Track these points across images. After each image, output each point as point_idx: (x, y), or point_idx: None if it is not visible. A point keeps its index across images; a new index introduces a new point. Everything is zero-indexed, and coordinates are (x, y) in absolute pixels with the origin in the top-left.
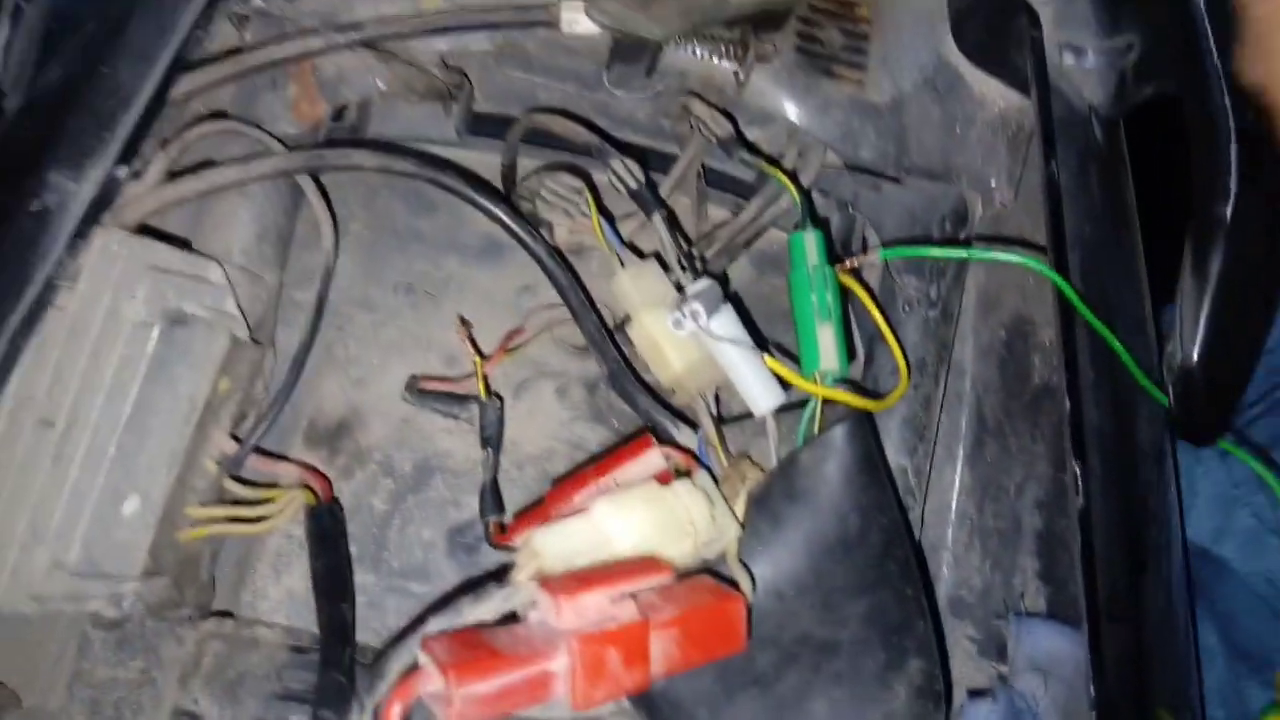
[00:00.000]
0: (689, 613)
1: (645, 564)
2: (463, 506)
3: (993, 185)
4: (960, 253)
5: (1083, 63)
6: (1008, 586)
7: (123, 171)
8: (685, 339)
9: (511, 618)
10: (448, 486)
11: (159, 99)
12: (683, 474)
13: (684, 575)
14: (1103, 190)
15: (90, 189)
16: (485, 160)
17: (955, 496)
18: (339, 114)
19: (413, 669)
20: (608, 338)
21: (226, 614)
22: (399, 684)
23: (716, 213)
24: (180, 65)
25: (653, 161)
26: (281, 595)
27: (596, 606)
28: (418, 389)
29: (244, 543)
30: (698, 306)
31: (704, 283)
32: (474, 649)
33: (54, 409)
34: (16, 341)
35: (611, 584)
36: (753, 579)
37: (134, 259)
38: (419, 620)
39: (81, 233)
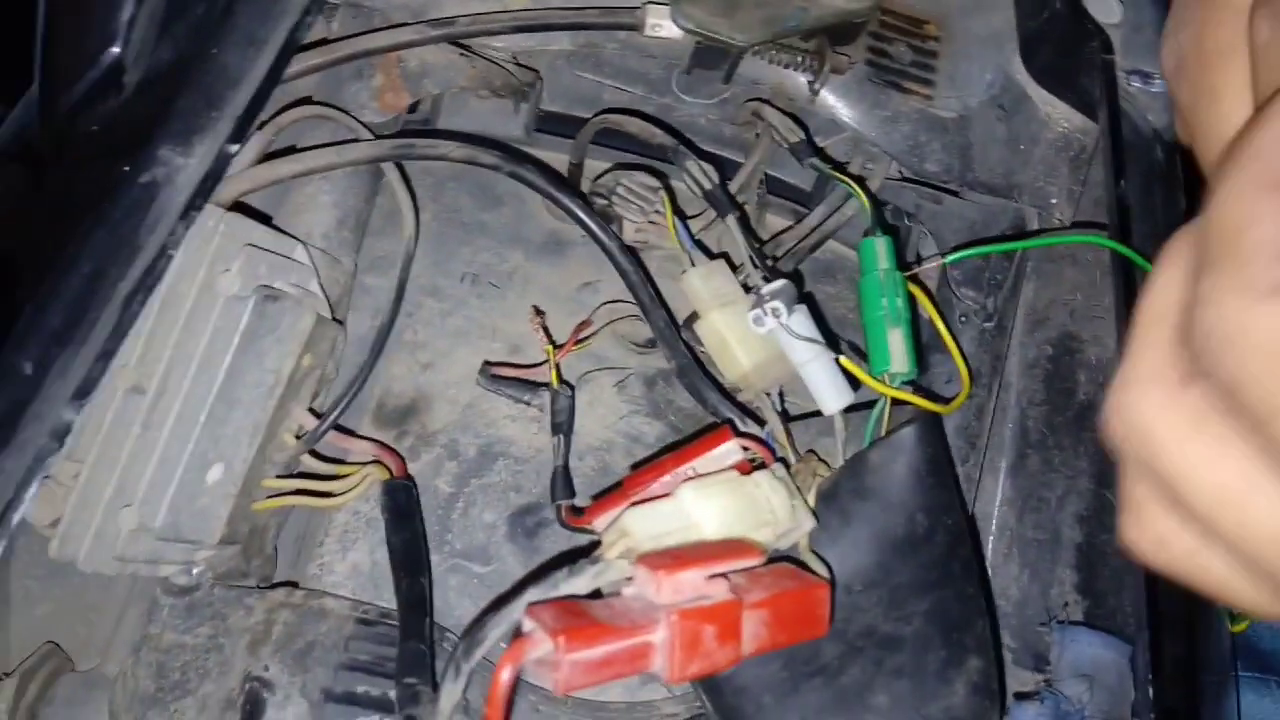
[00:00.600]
0: (778, 595)
1: (737, 546)
2: (524, 492)
3: (1053, 202)
4: (1025, 242)
5: (1149, 87)
6: (1045, 597)
7: (233, 149)
8: (755, 338)
9: (596, 595)
10: (510, 472)
11: (269, 81)
12: (759, 466)
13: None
14: (1165, 212)
15: (199, 165)
16: (548, 159)
17: (996, 507)
18: (413, 107)
19: (517, 635)
20: (676, 333)
21: (293, 585)
22: (510, 647)
23: (773, 220)
24: (291, 50)
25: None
26: (347, 570)
27: (692, 584)
28: (491, 374)
29: (306, 518)
30: (778, 304)
31: (781, 282)
32: (578, 617)
33: (145, 377)
34: (127, 308)
35: (706, 563)
36: (829, 569)
37: (230, 234)
38: (517, 590)
39: (193, 205)
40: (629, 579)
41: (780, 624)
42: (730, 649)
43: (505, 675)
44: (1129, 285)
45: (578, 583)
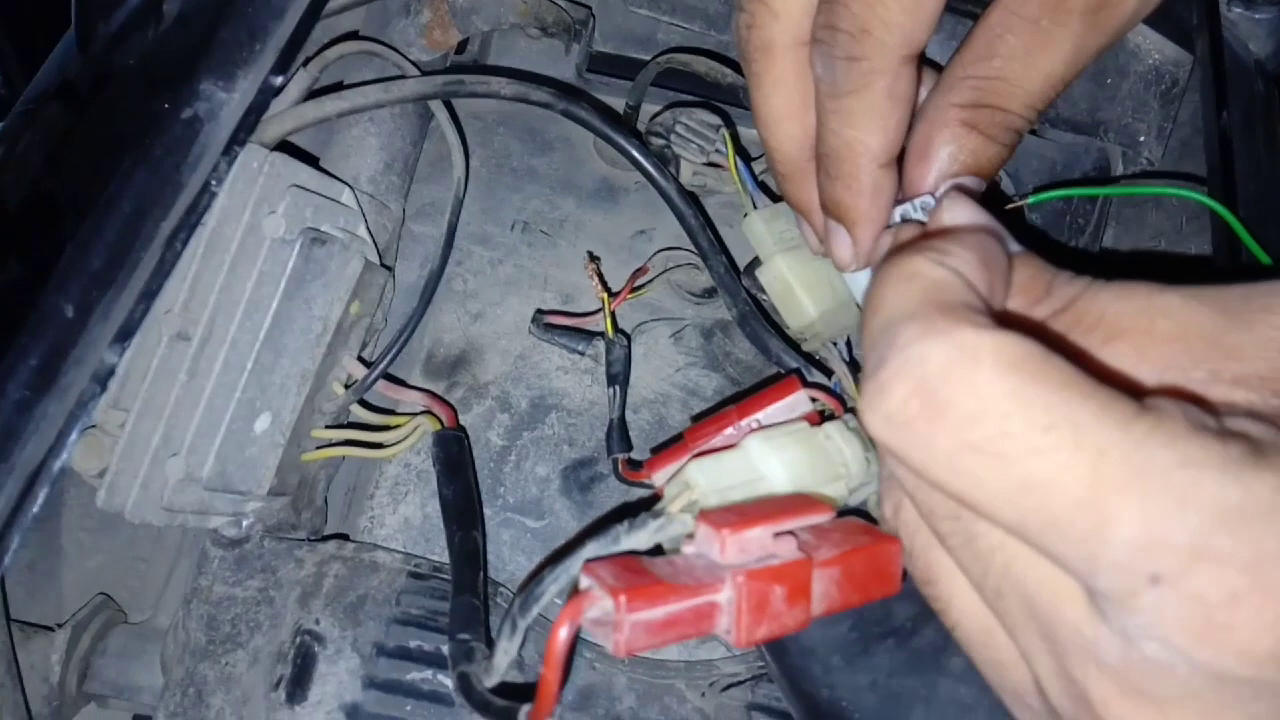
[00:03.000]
0: (849, 553)
1: (805, 502)
2: (576, 445)
3: (1141, 140)
4: (1111, 189)
5: (1251, 13)
6: None
7: (277, 81)
8: (822, 284)
9: (657, 551)
10: (562, 425)
11: (313, 11)
12: (828, 418)
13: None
14: (1267, 147)
15: (242, 98)
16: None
17: None
18: (461, 46)
19: (574, 592)
20: (737, 280)
21: (343, 537)
22: (568, 605)
23: None
24: None
25: None
26: (398, 523)
27: (759, 542)
28: (544, 323)
29: (356, 469)
30: (929, 199)
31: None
32: (640, 575)
33: (190, 323)
34: (169, 248)
35: (773, 520)
36: None
37: (275, 175)
38: (575, 543)
39: (236, 140)
40: (691, 535)
41: (852, 583)
42: (800, 610)
43: (563, 634)
44: (1231, 247)
45: (638, 537)
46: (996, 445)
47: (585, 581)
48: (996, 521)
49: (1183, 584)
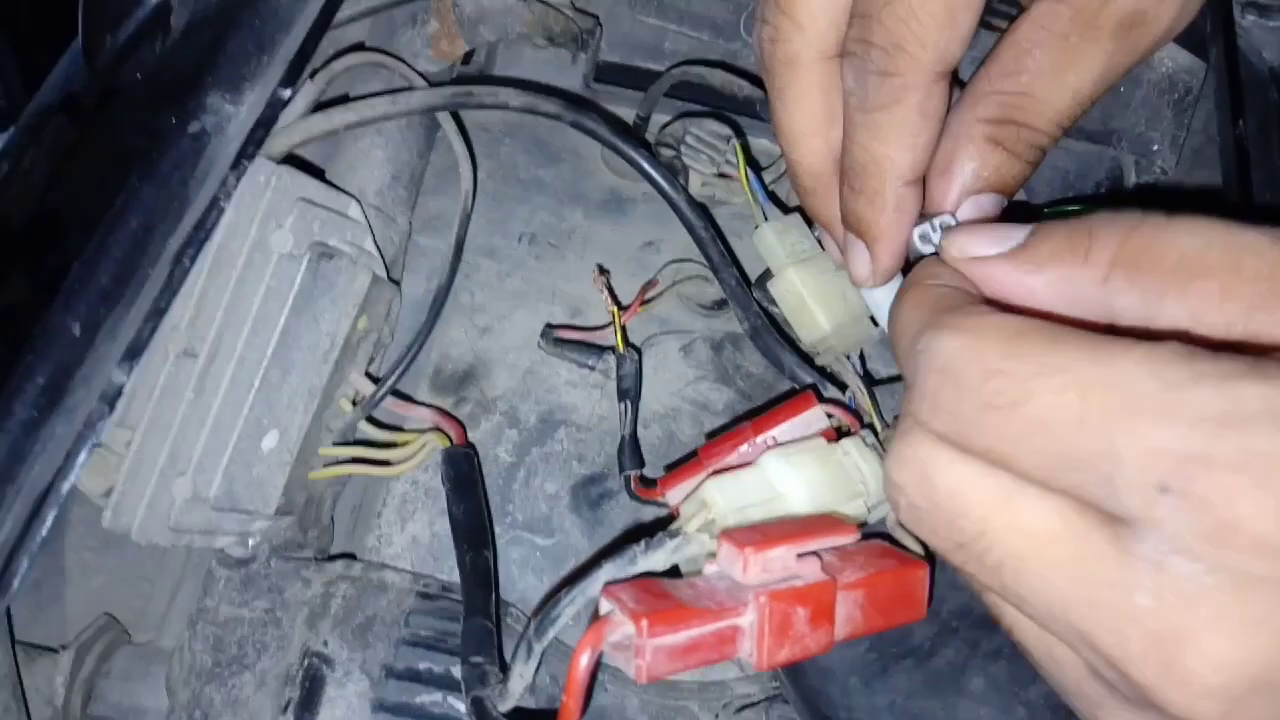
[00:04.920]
0: (874, 576)
1: (829, 522)
2: (586, 461)
3: (1154, 149)
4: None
5: (1266, 21)
6: None
7: (285, 94)
8: (835, 297)
9: (674, 572)
10: (572, 440)
11: (321, 23)
12: (844, 434)
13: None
14: None
15: (249, 112)
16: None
17: None
18: (467, 56)
19: (596, 616)
20: (748, 293)
21: (350, 556)
22: (589, 630)
23: None
24: None
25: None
26: (406, 542)
27: (782, 562)
28: (554, 337)
29: (363, 487)
30: (949, 218)
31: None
32: (661, 598)
33: (197, 340)
34: (177, 264)
35: (796, 540)
36: (924, 545)
37: (282, 189)
38: (591, 565)
39: (244, 154)
40: (710, 555)
41: (876, 607)
42: (823, 634)
43: (584, 660)
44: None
45: (656, 558)
46: (1005, 398)
47: (606, 605)
48: (1027, 476)
49: (1189, 490)
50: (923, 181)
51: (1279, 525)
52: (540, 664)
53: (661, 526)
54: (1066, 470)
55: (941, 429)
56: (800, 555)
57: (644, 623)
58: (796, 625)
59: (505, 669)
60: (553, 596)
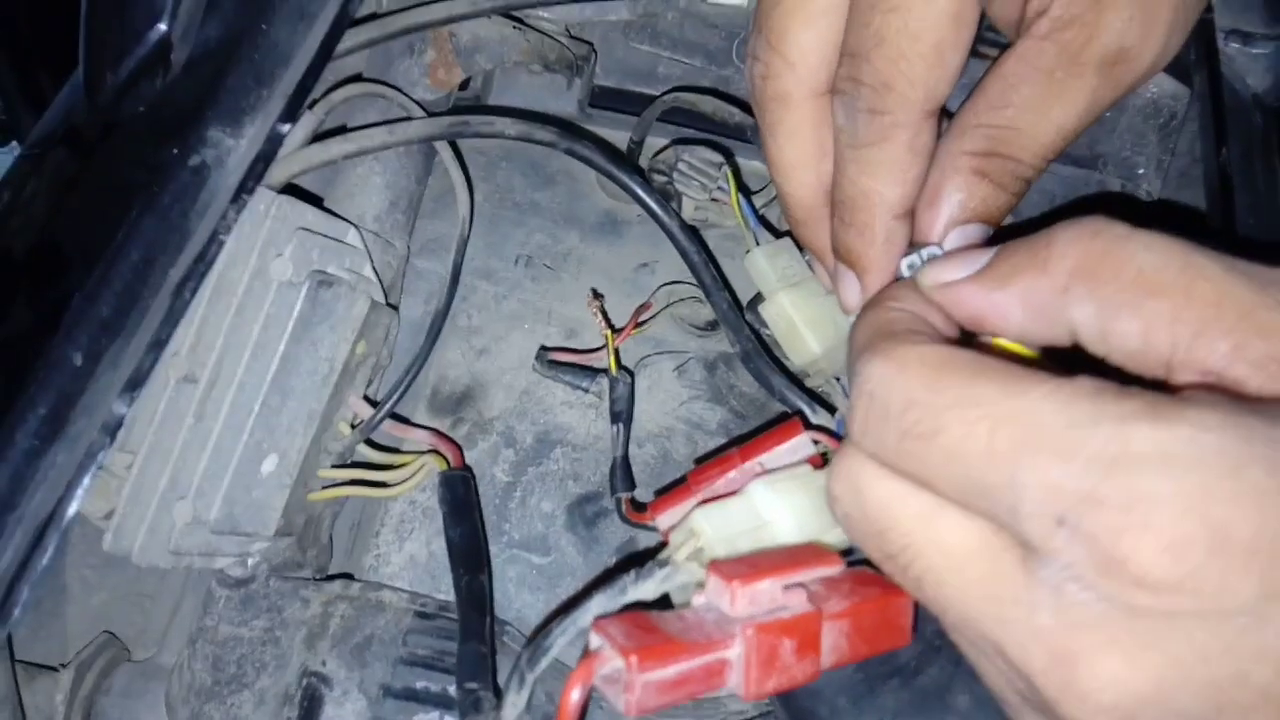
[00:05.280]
0: (859, 605)
1: (815, 553)
2: (582, 480)
3: (1140, 173)
4: None
5: (1249, 48)
6: None
7: (285, 128)
8: (825, 320)
9: (664, 599)
10: (568, 460)
11: (321, 58)
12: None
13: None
14: (1267, 181)
15: (250, 145)
16: (602, 137)
17: None
18: (464, 83)
19: (587, 651)
20: (740, 316)
21: (348, 576)
22: (579, 666)
23: None
24: (343, 25)
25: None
26: (404, 561)
27: (769, 594)
28: (548, 359)
29: (360, 507)
30: (935, 249)
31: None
32: (650, 633)
33: (197, 366)
34: (178, 296)
35: (783, 572)
36: None
37: (282, 218)
38: (582, 595)
39: (245, 188)
40: (699, 584)
41: (861, 635)
42: (809, 663)
43: (575, 696)
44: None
45: (646, 587)
46: (922, 427)
47: (596, 641)
48: (947, 497)
49: (1080, 526)
50: (911, 214)
51: (1160, 563)
52: (533, 693)
53: (654, 551)
54: (978, 498)
55: (871, 449)
56: (787, 586)
57: (633, 658)
58: (783, 656)
59: (499, 693)
60: (545, 627)
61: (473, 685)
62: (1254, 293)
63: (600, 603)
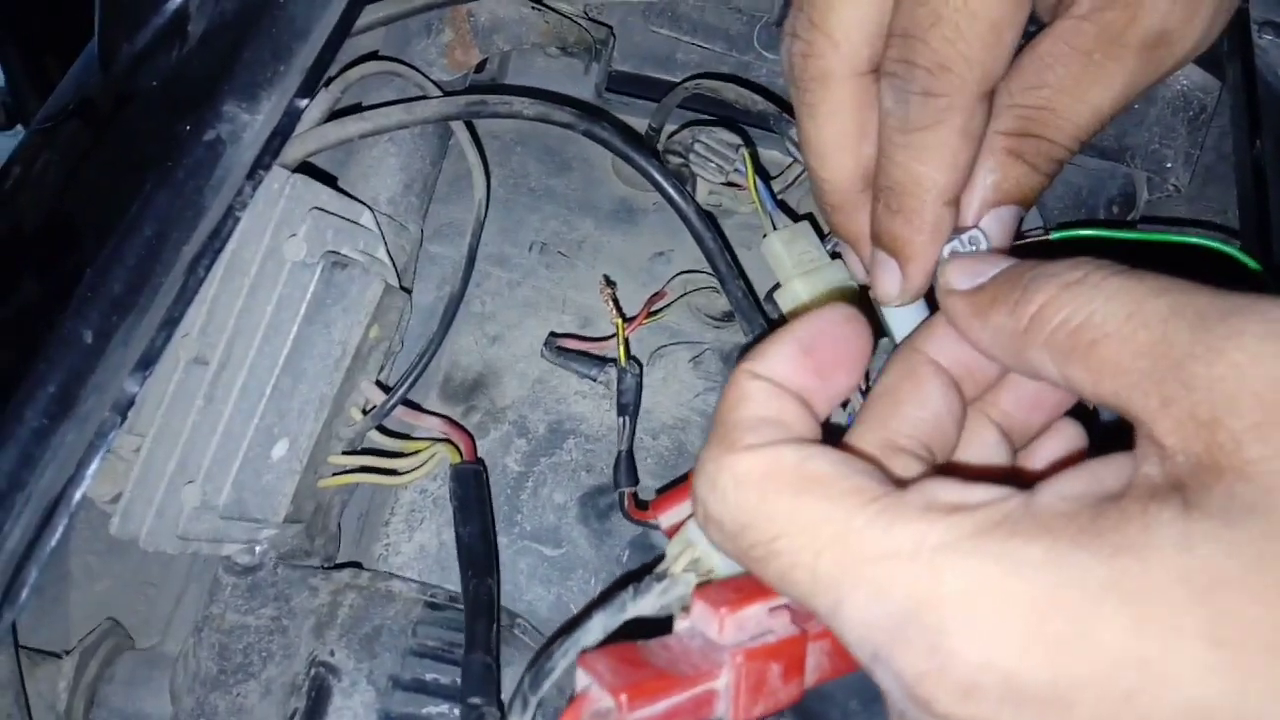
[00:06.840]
0: None
1: None
2: (595, 471)
3: (1168, 167)
4: (1138, 234)
5: None
6: None
7: (301, 104)
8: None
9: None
10: (580, 450)
11: (338, 33)
12: None
13: None
14: None
15: (266, 121)
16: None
17: None
18: (480, 65)
19: (573, 698)
20: (755, 305)
21: (357, 565)
22: (569, 708)
23: None
24: (361, 0)
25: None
26: (414, 551)
27: (756, 619)
28: (556, 346)
29: (370, 495)
30: (978, 234)
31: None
32: (638, 668)
33: (208, 347)
34: (191, 273)
35: (769, 596)
36: None
37: (296, 198)
38: (583, 615)
39: (260, 164)
40: (686, 608)
41: (842, 653)
42: (794, 685)
43: None
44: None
45: (645, 602)
46: (756, 552)
47: (583, 680)
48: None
49: (891, 664)
50: (958, 200)
51: (958, 708)
52: (536, 716)
53: (649, 570)
54: (816, 614)
55: (715, 543)
56: (772, 609)
57: (623, 696)
58: (770, 681)
59: (503, 707)
60: (547, 648)
61: (477, 700)
62: (1192, 339)
63: (601, 621)
